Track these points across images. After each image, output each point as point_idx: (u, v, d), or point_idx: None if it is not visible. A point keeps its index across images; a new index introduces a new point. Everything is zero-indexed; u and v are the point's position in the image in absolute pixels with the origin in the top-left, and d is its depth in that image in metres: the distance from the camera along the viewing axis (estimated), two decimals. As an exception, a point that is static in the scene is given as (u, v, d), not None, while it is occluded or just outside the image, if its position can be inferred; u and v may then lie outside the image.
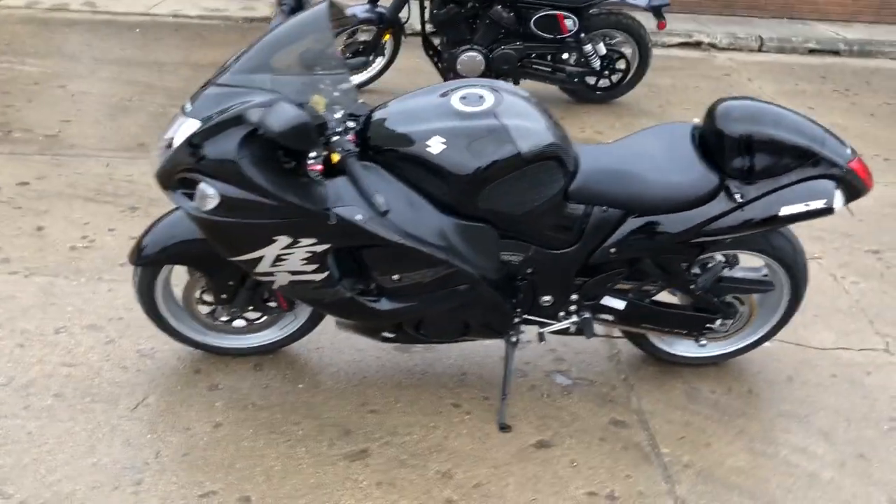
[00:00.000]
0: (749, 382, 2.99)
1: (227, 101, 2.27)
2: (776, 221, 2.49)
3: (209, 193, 2.27)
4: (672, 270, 2.64)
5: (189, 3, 7.77)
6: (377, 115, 2.43)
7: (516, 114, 2.41)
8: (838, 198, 2.50)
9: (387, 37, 5.57)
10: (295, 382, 2.84)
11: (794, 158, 2.47)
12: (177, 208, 2.67)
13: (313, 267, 2.38)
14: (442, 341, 2.74)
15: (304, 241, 2.33)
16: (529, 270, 2.56)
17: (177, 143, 2.30)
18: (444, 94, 2.44)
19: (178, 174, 2.33)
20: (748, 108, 2.53)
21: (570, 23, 5.36)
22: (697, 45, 7.70)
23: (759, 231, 2.55)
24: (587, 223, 2.51)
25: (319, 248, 2.35)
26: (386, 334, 2.69)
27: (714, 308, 2.76)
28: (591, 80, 5.69)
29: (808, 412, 2.85)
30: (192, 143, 2.27)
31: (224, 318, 2.79)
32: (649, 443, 2.67)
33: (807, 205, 2.47)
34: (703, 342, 2.87)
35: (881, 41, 8.08)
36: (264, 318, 2.84)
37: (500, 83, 2.56)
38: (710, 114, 2.54)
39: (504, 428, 2.68)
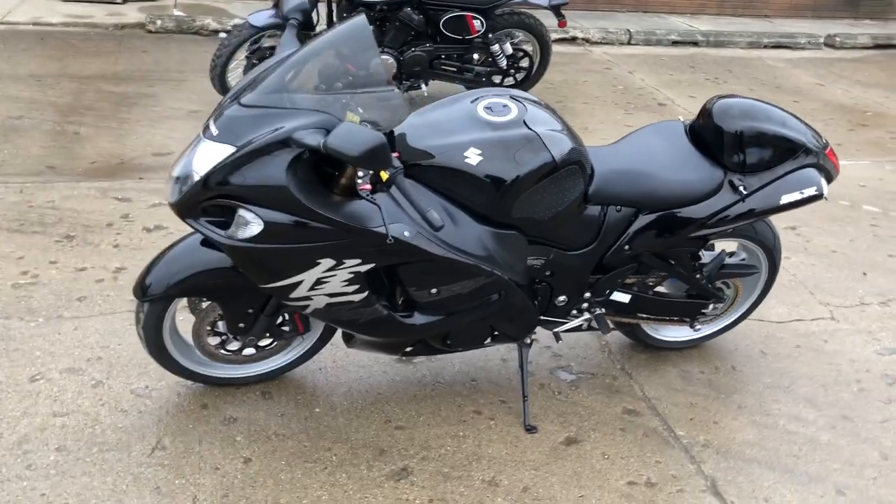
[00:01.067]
0: (730, 360, 3.19)
1: (263, 124, 2.14)
2: (777, 209, 2.68)
3: (250, 220, 2.15)
4: (681, 261, 2.78)
5: (47, 9, 7.21)
6: (400, 130, 2.39)
7: (542, 121, 2.45)
8: (824, 184, 2.73)
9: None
10: (310, 407, 2.74)
11: (785, 150, 2.67)
12: (182, 239, 2.52)
13: (354, 288, 2.32)
14: (466, 349, 2.74)
15: (349, 263, 2.26)
16: (549, 273, 2.61)
17: (203, 169, 2.16)
18: (469, 104, 2.44)
19: (205, 202, 2.20)
20: (742, 105, 2.71)
21: (478, 23, 5.45)
22: (573, 40, 8.04)
23: (761, 219, 2.75)
24: (604, 223, 2.60)
25: (364, 269, 2.28)
26: (407, 349, 2.66)
27: (709, 294, 2.93)
28: (496, 78, 5.81)
29: (789, 382, 3.09)
30: (227, 169, 2.14)
31: (234, 348, 2.66)
32: (664, 427, 2.81)
33: (801, 192, 2.68)
34: (699, 327, 3.04)
35: (731, 32, 8.77)
36: (275, 343, 2.73)
37: (514, 91, 2.59)
38: (707, 112, 2.69)
39: (531, 429, 2.73)
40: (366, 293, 2.35)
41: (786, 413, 2.93)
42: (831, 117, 6.43)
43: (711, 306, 2.99)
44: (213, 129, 2.20)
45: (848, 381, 3.12)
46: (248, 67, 4.99)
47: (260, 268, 2.28)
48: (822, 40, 8.97)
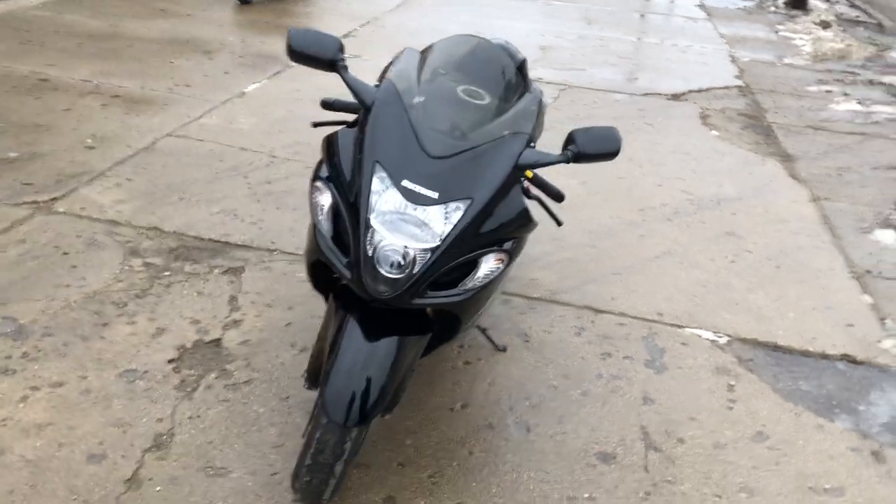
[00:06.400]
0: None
1: (476, 163, 2.08)
2: None
3: (503, 259, 2.14)
4: None
5: None
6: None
7: None
8: None
9: None
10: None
11: None
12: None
13: None
14: None
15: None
16: None
17: (437, 240, 2.00)
18: None
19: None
20: None
21: None
22: None
23: None
24: None
25: None
26: None
27: None
28: None
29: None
30: (475, 225, 2.03)
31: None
32: (642, 428, 2.86)
33: None
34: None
35: None
36: None
37: None
38: None
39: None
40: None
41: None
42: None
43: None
44: (427, 192, 2.00)
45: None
46: None
47: (484, 300, 2.25)
48: None
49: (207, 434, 2.57)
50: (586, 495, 2.49)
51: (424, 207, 1.99)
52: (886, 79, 7.80)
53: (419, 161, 2.03)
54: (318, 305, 3.26)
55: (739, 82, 7.21)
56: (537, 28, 8.54)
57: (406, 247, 1.97)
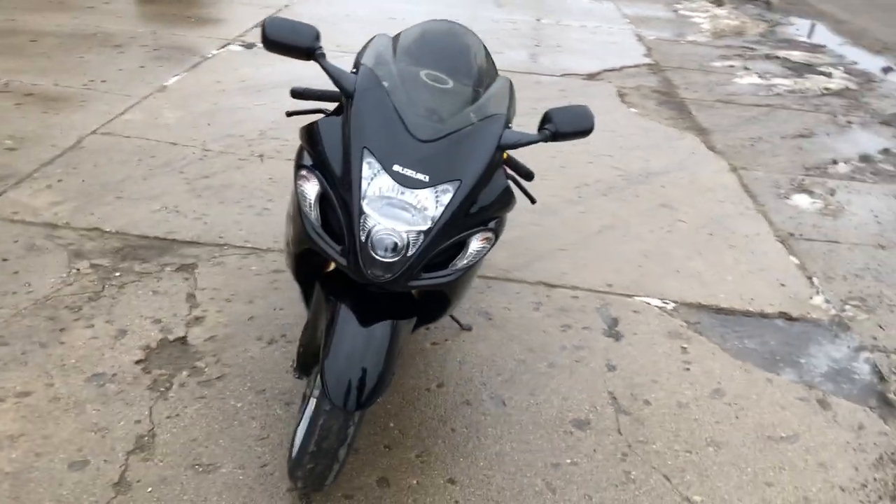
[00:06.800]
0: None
1: (456, 150, 2.10)
2: None
3: (490, 238, 2.18)
4: None
5: None
6: None
7: None
8: None
9: None
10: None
11: None
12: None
13: None
14: None
15: None
16: None
17: (428, 223, 2.02)
18: None
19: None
20: None
21: None
22: None
23: None
24: None
25: None
26: None
27: None
28: None
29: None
30: (464, 206, 2.07)
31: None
32: (608, 394, 3.00)
33: None
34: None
35: None
36: None
37: None
38: None
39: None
40: None
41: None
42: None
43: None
44: (418, 175, 2.02)
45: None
46: None
47: (470, 279, 2.29)
48: None
49: (189, 432, 2.54)
50: (568, 461, 2.59)
51: (416, 191, 2.03)
52: (781, 53, 8.24)
53: (408, 145, 2.06)
54: (279, 298, 3.26)
55: (649, 60, 7.48)
56: (451, 13, 8.59)
57: (400, 230, 2.01)
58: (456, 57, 2.49)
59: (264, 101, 5.37)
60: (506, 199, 2.22)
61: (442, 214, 2.03)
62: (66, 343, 2.88)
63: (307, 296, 2.45)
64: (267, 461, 2.46)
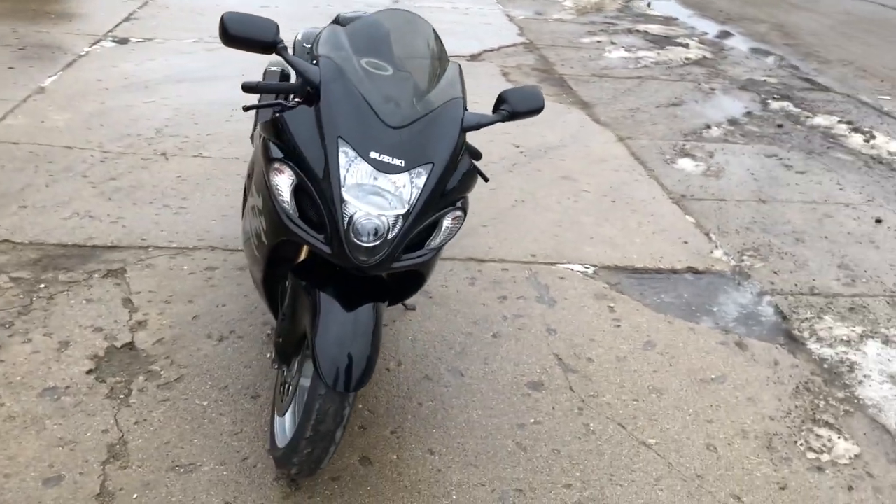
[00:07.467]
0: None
1: (427, 135, 2.19)
2: None
3: (459, 217, 2.29)
4: None
5: None
6: None
7: None
8: None
9: None
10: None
11: None
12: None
13: None
14: None
15: None
16: None
17: (406, 206, 2.10)
18: None
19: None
20: None
21: None
22: None
23: None
24: None
25: None
26: None
27: None
28: None
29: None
30: (437, 188, 2.16)
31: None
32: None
33: None
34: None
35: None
36: None
37: None
38: None
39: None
40: None
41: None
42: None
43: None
44: (394, 161, 2.10)
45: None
46: None
47: (439, 257, 2.42)
48: None
49: (161, 435, 2.52)
50: (532, 420, 2.76)
51: (392, 175, 2.11)
52: (640, 27, 8.74)
53: (381, 132, 2.14)
54: (218, 295, 3.25)
55: (523, 39, 7.76)
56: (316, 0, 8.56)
57: (380, 215, 2.08)
58: (412, 45, 2.57)
59: (153, 98, 5.21)
60: (472, 179, 2.34)
61: (419, 197, 2.13)
62: (5, 360, 2.76)
63: (271, 292, 2.49)
64: (247, 454, 2.48)
